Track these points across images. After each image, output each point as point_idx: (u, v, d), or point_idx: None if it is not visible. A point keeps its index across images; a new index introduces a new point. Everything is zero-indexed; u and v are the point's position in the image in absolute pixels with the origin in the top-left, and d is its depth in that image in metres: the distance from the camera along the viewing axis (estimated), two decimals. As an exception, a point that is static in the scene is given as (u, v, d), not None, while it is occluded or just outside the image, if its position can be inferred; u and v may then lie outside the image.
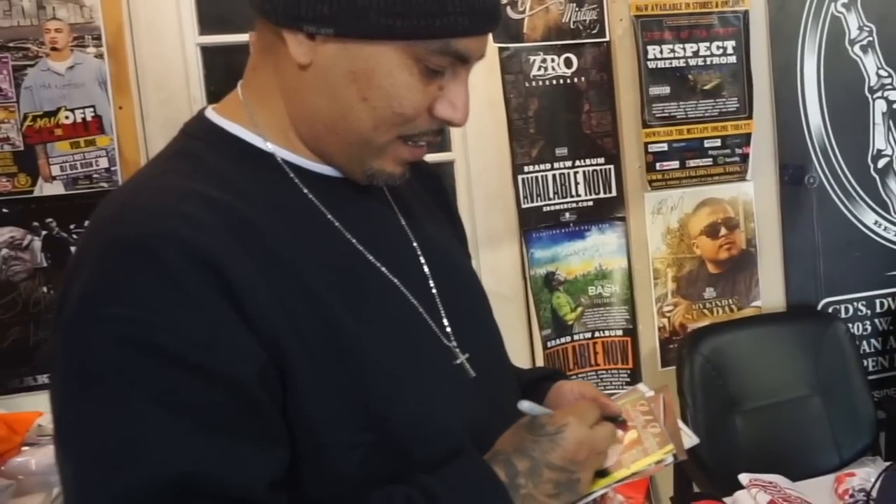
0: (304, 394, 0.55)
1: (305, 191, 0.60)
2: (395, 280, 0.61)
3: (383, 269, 0.61)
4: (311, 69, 0.56)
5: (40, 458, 1.21)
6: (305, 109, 0.59)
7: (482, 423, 0.63)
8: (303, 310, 0.55)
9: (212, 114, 0.62)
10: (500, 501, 0.57)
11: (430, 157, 1.54)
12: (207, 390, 0.51)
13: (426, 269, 0.65)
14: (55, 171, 1.30)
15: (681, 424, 0.70)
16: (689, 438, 0.69)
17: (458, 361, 0.64)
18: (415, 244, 0.66)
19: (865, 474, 1.17)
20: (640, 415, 0.69)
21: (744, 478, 1.21)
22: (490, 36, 0.59)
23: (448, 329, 0.64)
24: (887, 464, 1.19)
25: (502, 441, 0.62)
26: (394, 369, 0.59)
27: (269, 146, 0.60)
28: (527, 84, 1.53)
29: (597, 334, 1.64)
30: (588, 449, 0.60)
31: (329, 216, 0.60)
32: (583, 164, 1.59)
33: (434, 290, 0.65)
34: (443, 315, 0.64)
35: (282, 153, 0.60)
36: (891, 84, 1.70)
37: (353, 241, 0.60)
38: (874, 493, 1.04)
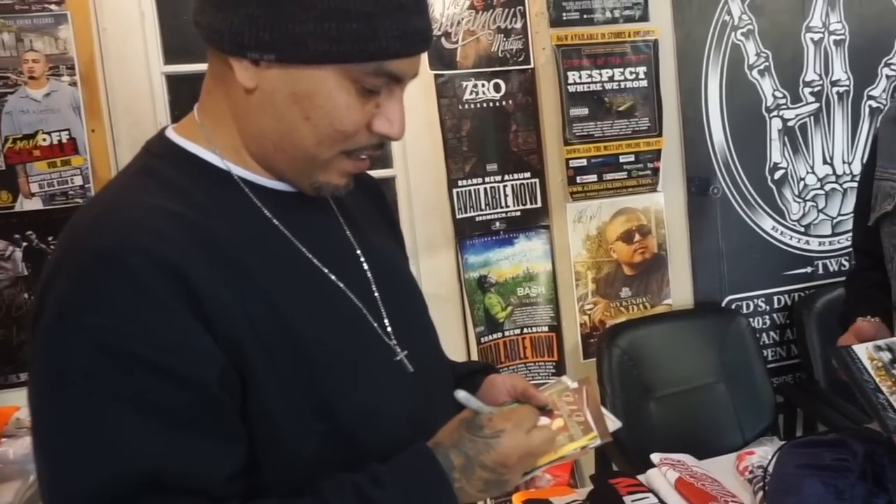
0: (263, 389, 0.62)
1: (259, 204, 0.68)
2: (341, 284, 0.70)
3: (331, 275, 0.69)
4: (257, 93, 0.64)
5: (17, 448, 1.35)
6: (254, 129, 0.66)
7: (421, 413, 0.73)
8: (261, 313, 0.62)
9: (172, 133, 0.69)
10: (440, 490, 0.65)
11: (374, 173, 1.81)
12: (173, 391, 0.57)
13: (369, 274, 0.74)
14: (34, 188, 1.53)
15: (604, 410, 0.79)
16: (613, 423, 0.77)
17: (398, 358, 0.72)
18: (358, 251, 0.74)
19: (763, 452, 1.31)
20: (566, 404, 0.78)
21: (655, 457, 1.34)
22: (427, 63, 0.75)
23: (389, 328, 0.72)
24: (782, 442, 1.33)
25: (443, 433, 0.69)
26: (342, 366, 0.67)
27: (224, 163, 0.67)
28: (460, 107, 1.78)
29: (525, 330, 1.89)
30: (520, 454, 0.68)
31: (281, 227, 0.68)
32: (511, 178, 1.85)
33: (376, 293, 0.73)
34: (384, 316, 0.72)
35: (236, 170, 0.68)
36: (785, 104, 2.02)
37: (303, 249, 0.68)
38: (770, 469, 1.16)
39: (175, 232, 0.60)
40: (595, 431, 0.74)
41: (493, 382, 0.81)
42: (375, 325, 0.71)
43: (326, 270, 0.69)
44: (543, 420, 0.74)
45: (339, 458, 0.65)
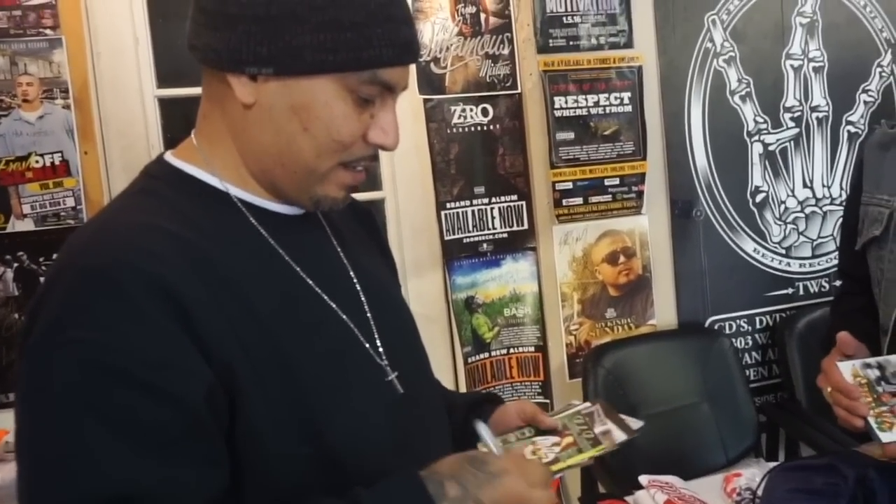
0: (252, 411, 0.62)
1: (257, 226, 0.70)
2: (334, 306, 0.72)
3: (324, 296, 0.71)
4: (255, 108, 0.66)
5: (6, 473, 1.34)
6: (254, 146, 0.68)
7: (409, 435, 0.73)
8: (252, 334, 0.63)
9: (170, 157, 0.72)
10: None
11: (364, 195, 1.89)
12: (156, 409, 0.58)
13: (362, 296, 0.76)
14: (26, 209, 1.57)
15: (623, 416, 0.84)
16: (635, 422, 0.84)
17: (389, 379, 0.74)
18: (352, 273, 0.76)
19: (750, 474, 1.32)
20: (576, 426, 0.81)
21: (643, 479, 1.35)
22: (416, 88, 0.80)
23: (381, 349, 0.74)
24: (771, 464, 1.36)
25: (442, 464, 0.68)
26: (331, 388, 0.67)
27: (223, 185, 0.69)
28: (448, 131, 1.85)
29: (511, 350, 1.95)
30: (516, 501, 0.67)
31: (278, 249, 0.70)
32: (498, 200, 1.91)
33: (368, 315, 0.75)
34: (376, 337, 0.74)
35: (236, 191, 0.70)
36: (766, 129, 2.10)
37: (299, 270, 0.70)
38: (759, 492, 1.18)
39: (169, 251, 0.62)
40: (603, 444, 0.79)
41: (506, 409, 0.85)
42: (367, 345, 0.73)
43: (320, 291, 0.71)
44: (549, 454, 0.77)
45: (322, 483, 0.65)
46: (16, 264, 1.56)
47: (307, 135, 0.66)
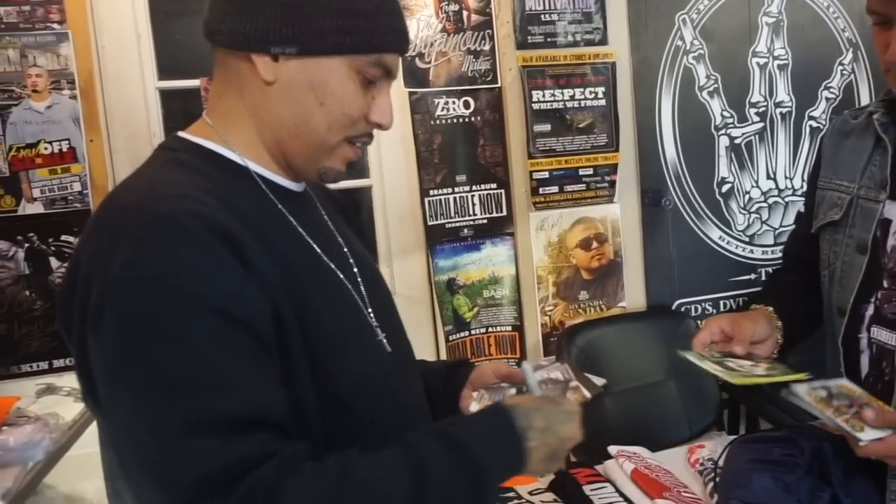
0: (289, 345, 0.72)
1: (273, 198, 0.80)
2: (340, 274, 0.83)
3: (331, 265, 0.83)
4: (276, 85, 0.77)
5: (17, 436, 1.42)
6: (272, 119, 0.78)
7: (397, 387, 0.86)
8: (288, 283, 0.73)
9: (186, 135, 0.81)
10: (516, 444, 0.75)
11: (353, 183, 2.04)
12: (240, 334, 0.66)
13: (355, 268, 0.87)
14: (36, 193, 1.72)
15: (587, 375, 0.96)
16: (598, 380, 0.96)
17: (379, 338, 0.85)
18: (344, 248, 0.88)
19: (713, 446, 1.43)
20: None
21: (612, 449, 1.46)
22: (402, 81, 0.92)
23: (371, 314, 0.85)
24: (731, 437, 1.41)
25: (523, 399, 0.82)
26: (341, 338, 0.78)
27: (242, 160, 0.79)
28: (432, 122, 2.00)
29: (490, 329, 2.11)
30: (576, 439, 0.79)
31: (293, 221, 0.80)
32: (478, 188, 2.07)
33: (361, 284, 0.86)
34: (367, 303, 0.86)
35: (253, 167, 0.79)
36: (732, 123, 2.28)
37: (311, 242, 0.81)
38: (720, 462, 1.25)
39: (216, 203, 0.71)
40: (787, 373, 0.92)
41: (482, 368, 0.96)
42: (362, 307, 0.84)
43: (327, 260, 0.82)
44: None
45: (338, 424, 0.75)
46: (26, 244, 1.72)
47: (322, 109, 0.77)
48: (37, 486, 1.46)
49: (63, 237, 1.71)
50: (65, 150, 1.73)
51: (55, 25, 1.71)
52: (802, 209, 1.33)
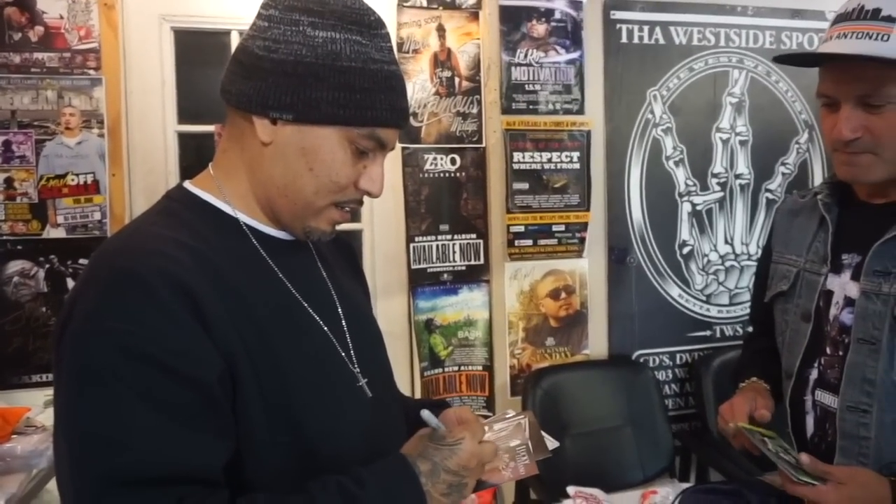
0: (246, 398, 0.77)
1: (258, 246, 0.86)
2: (318, 319, 0.87)
3: (310, 310, 0.87)
4: (271, 146, 0.83)
5: (25, 445, 1.57)
6: (264, 177, 0.84)
7: (375, 433, 0.88)
8: (250, 333, 0.78)
9: (189, 185, 0.89)
10: (413, 490, 0.79)
11: (346, 227, 2.30)
12: (180, 390, 0.72)
13: (340, 311, 0.92)
14: (60, 219, 1.98)
15: (543, 434, 0.99)
16: (551, 442, 0.98)
17: (360, 384, 0.89)
18: (333, 294, 0.93)
19: (665, 493, 1.57)
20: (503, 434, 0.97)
21: (571, 490, 1.61)
22: (397, 137, 0.88)
23: (354, 358, 0.89)
24: (684, 485, 1.61)
25: (408, 447, 0.85)
26: (310, 386, 0.82)
27: (233, 212, 0.86)
28: (421, 175, 2.29)
29: (462, 368, 2.36)
30: (477, 460, 0.84)
31: (274, 267, 0.86)
32: (459, 238, 2.34)
33: (345, 328, 0.91)
34: (350, 347, 0.90)
35: (243, 218, 0.86)
36: (695, 191, 2.61)
37: (290, 286, 0.86)
38: None
39: (186, 259, 0.77)
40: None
41: (447, 414, 0.97)
42: (343, 354, 0.89)
43: (307, 305, 0.87)
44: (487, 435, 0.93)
45: (301, 469, 0.79)
46: (47, 265, 1.98)
47: (311, 174, 0.83)
48: (39, 493, 1.62)
49: (80, 261, 1.97)
50: (89, 182, 2.01)
51: (91, 71, 2.01)
52: (756, 277, 1.49)
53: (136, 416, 0.70)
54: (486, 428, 0.96)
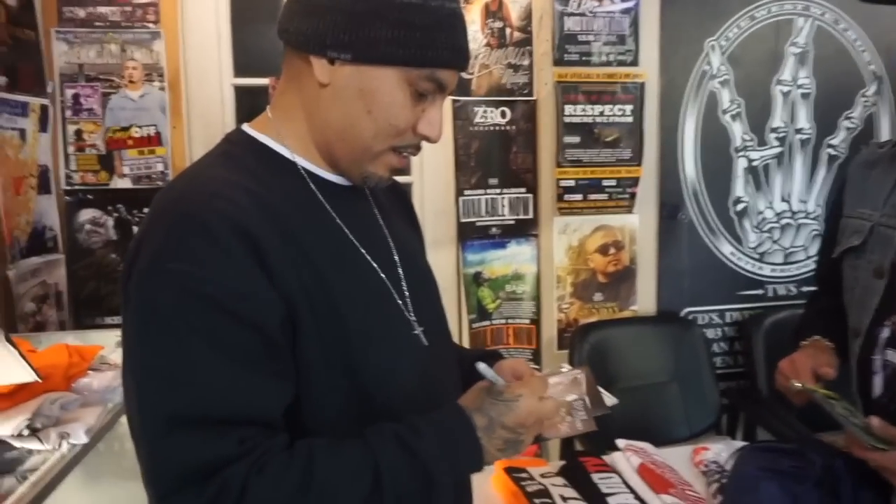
0: (305, 342, 0.78)
1: (316, 192, 0.85)
2: (375, 265, 0.87)
3: (368, 256, 0.87)
4: (329, 88, 0.82)
5: (100, 380, 1.58)
6: (322, 120, 0.83)
7: (431, 382, 0.89)
8: (309, 278, 0.78)
9: (247, 128, 0.89)
10: (470, 442, 0.79)
11: (396, 180, 2.31)
12: (240, 331, 0.73)
13: (396, 258, 0.91)
14: (125, 170, 2.10)
15: (601, 389, 0.98)
16: (609, 399, 0.98)
17: (416, 332, 0.89)
18: (390, 241, 0.92)
19: (717, 449, 1.51)
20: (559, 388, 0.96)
21: (621, 442, 1.57)
22: (457, 80, 0.86)
23: (410, 307, 0.89)
24: (737, 443, 1.53)
25: (465, 399, 0.84)
26: (368, 332, 0.82)
27: (291, 156, 0.85)
28: (470, 129, 2.31)
29: (510, 321, 2.41)
30: (535, 417, 0.83)
31: (332, 212, 0.85)
32: (508, 192, 2.37)
33: (402, 276, 0.90)
34: (407, 296, 0.89)
35: (301, 162, 0.86)
36: (752, 146, 2.58)
37: (348, 232, 0.86)
38: (727, 466, 1.33)
39: (246, 202, 0.77)
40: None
41: (501, 366, 0.96)
42: (399, 302, 0.89)
43: (364, 251, 0.87)
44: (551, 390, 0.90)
45: (357, 414, 0.81)
46: (115, 214, 2.10)
47: (369, 117, 0.82)
48: (114, 425, 1.70)
49: (145, 210, 2.05)
50: (152, 134, 2.11)
51: (150, 25, 2.10)
52: (824, 234, 1.46)
53: (198, 357, 0.72)
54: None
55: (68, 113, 2.08)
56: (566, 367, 1.04)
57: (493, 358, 1.02)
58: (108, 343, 1.89)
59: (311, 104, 0.84)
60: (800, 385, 1.20)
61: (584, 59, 2.42)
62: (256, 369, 0.74)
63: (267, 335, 0.75)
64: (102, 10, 2.07)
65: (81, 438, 1.33)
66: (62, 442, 1.30)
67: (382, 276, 0.88)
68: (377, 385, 0.83)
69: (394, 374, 0.85)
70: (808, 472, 1.20)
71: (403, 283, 0.91)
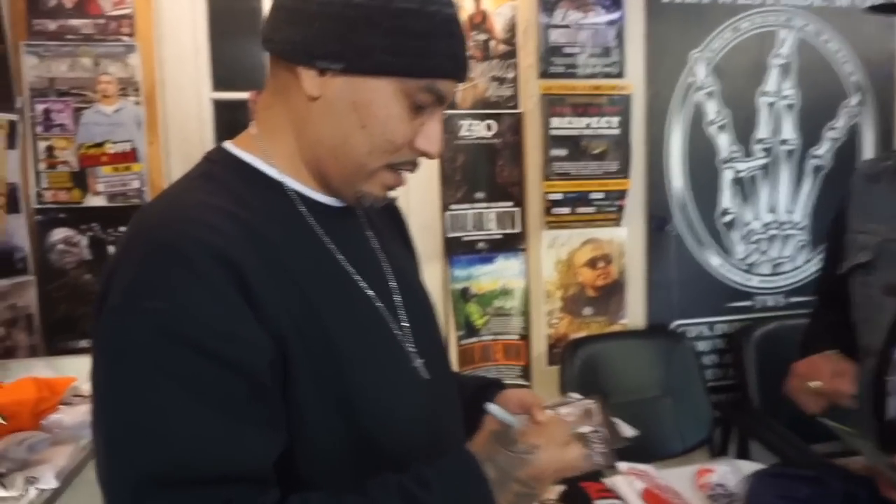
0: (297, 382, 0.71)
1: (306, 214, 0.79)
2: (370, 293, 0.81)
3: (362, 283, 0.81)
4: (319, 101, 0.76)
5: (72, 415, 1.52)
6: (311, 136, 0.78)
7: (434, 417, 0.84)
8: (301, 310, 0.72)
9: (230, 146, 0.82)
10: (483, 496, 0.73)
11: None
12: (224, 377, 0.66)
13: (393, 284, 0.85)
14: (100, 188, 2.04)
15: (616, 420, 0.91)
16: (628, 430, 0.91)
17: (415, 365, 0.83)
18: (385, 265, 0.87)
19: (722, 472, 1.50)
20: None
21: (622, 465, 1.54)
22: (455, 91, 0.79)
23: (409, 336, 0.83)
24: (742, 463, 1.52)
25: (476, 445, 0.79)
26: (366, 368, 0.77)
27: (278, 175, 0.80)
28: (456, 142, 2.30)
29: (498, 337, 2.39)
30: (555, 469, 0.77)
31: (324, 237, 0.80)
32: (495, 206, 2.35)
33: (398, 303, 0.84)
34: (405, 325, 0.84)
35: (289, 182, 0.80)
36: (739, 157, 2.59)
37: (340, 258, 0.80)
38: (735, 490, 1.31)
39: (231, 229, 0.71)
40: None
41: (507, 397, 0.91)
42: (398, 332, 0.83)
43: (358, 279, 0.81)
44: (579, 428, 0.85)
45: (356, 459, 0.75)
46: (89, 233, 2.04)
47: (363, 132, 0.76)
48: (87, 465, 1.59)
49: (121, 228, 2.03)
50: (128, 150, 2.06)
51: (125, 38, 2.05)
52: (827, 249, 1.43)
53: (176, 407, 0.65)
54: (551, 412, 0.88)
55: (39, 129, 2.03)
56: (576, 396, 0.99)
57: (495, 388, 0.97)
58: (81, 371, 1.79)
59: (300, 119, 0.79)
60: (818, 384, 1.18)
61: (569, 71, 2.42)
62: (243, 418, 0.67)
63: (254, 378, 0.68)
64: (74, 22, 2.02)
65: (51, 483, 1.25)
66: (29, 488, 1.22)
67: (379, 304, 0.83)
68: (377, 425, 0.77)
69: (394, 412, 0.80)
70: (830, 502, 1.18)
71: (401, 312, 0.85)
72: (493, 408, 0.80)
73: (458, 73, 0.80)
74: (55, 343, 2.03)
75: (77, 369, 1.81)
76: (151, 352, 0.65)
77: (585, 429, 0.89)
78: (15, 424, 1.31)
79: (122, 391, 0.66)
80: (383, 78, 0.75)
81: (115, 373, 0.67)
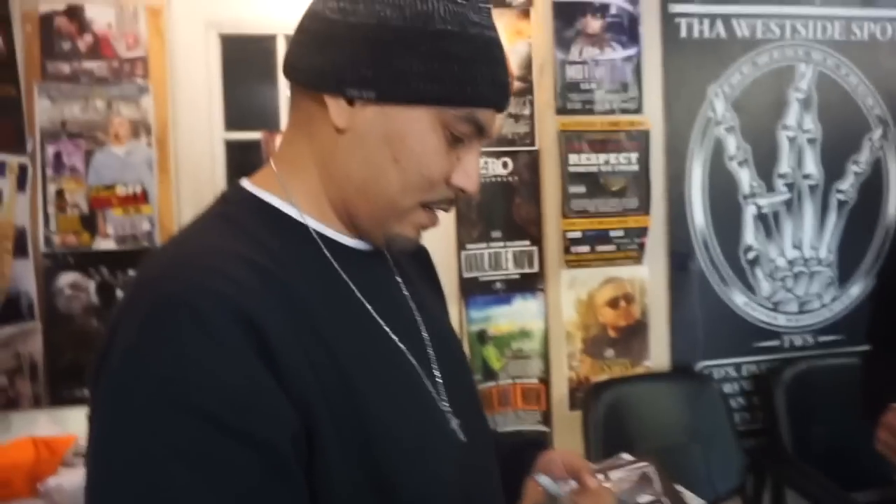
0: (324, 456, 0.63)
1: (332, 260, 0.72)
2: (402, 346, 0.74)
3: (393, 336, 0.74)
4: (348, 133, 0.70)
5: (73, 478, 1.45)
6: (339, 172, 0.72)
7: (471, 484, 0.77)
8: (328, 372, 0.65)
9: (247, 184, 0.76)
10: None
11: None
12: (239, 454, 0.58)
13: (424, 334, 0.78)
14: (109, 230, 2.03)
15: (681, 489, 0.89)
16: (695, 500, 0.90)
17: (452, 426, 0.76)
18: (417, 315, 0.80)
19: None
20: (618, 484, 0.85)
21: None
22: (496, 123, 0.74)
23: (443, 394, 0.76)
24: None
25: None
26: (401, 437, 0.69)
27: (301, 216, 0.73)
28: None
29: (517, 381, 2.34)
30: None
31: (351, 285, 0.73)
32: (513, 245, 2.32)
33: (432, 356, 0.78)
34: (439, 381, 0.77)
35: (312, 223, 0.73)
36: (761, 193, 2.56)
37: (370, 308, 0.73)
38: None
39: (249, 278, 0.63)
40: None
41: (551, 460, 0.86)
42: (432, 390, 0.76)
43: (389, 331, 0.74)
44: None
45: None
46: (98, 277, 2.02)
47: (397, 167, 0.70)
48: None
49: (130, 272, 2.01)
50: (138, 192, 2.05)
51: (138, 80, 2.06)
52: (879, 290, 1.40)
53: (182, 489, 0.57)
54: (601, 477, 0.81)
55: (49, 171, 2.02)
56: (627, 457, 0.91)
57: (536, 447, 0.92)
58: (85, 427, 1.77)
59: (326, 154, 0.73)
60: None
61: (586, 107, 2.41)
62: (257, 498, 0.59)
63: (275, 455, 0.60)
64: (89, 65, 2.03)
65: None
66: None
67: (412, 359, 0.76)
68: (416, 495, 0.70)
69: (431, 485, 0.72)
70: None
71: (433, 364, 0.78)
72: (543, 479, 0.75)
73: (501, 101, 0.74)
74: (60, 392, 1.99)
75: (81, 422, 1.78)
76: (154, 422, 0.57)
77: (645, 498, 0.82)
78: (8, 492, 1.23)
79: (119, 467, 0.58)
80: (419, 107, 0.70)
81: (112, 446, 0.58)
